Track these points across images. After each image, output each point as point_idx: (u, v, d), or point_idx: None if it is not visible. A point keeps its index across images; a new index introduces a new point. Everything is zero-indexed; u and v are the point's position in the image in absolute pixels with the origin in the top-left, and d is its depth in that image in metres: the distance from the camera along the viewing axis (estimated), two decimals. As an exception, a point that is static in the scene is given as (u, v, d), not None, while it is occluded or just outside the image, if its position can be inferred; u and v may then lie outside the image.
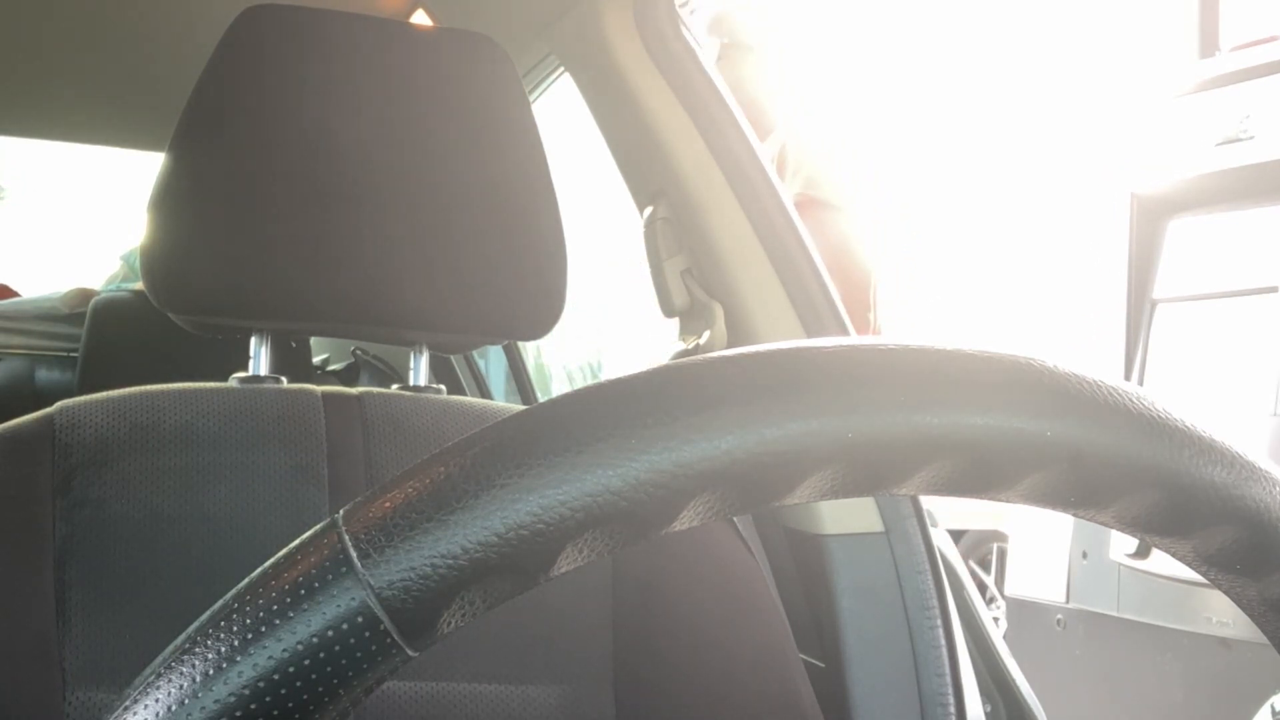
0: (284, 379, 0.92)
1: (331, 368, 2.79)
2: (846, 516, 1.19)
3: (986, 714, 1.21)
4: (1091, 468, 0.33)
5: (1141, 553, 2.91)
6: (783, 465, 0.31)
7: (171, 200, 0.87)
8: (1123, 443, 0.33)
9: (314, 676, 0.30)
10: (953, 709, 1.15)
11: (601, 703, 0.85)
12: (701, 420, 0.31)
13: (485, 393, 2.65)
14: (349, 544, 0.30)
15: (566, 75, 1.52)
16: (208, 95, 0.88)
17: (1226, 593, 0.37)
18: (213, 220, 0.87)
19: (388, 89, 0.91)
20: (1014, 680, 1.27)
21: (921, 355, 0.33)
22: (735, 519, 0.99)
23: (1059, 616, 3.33)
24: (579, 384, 1.28)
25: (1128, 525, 0.35)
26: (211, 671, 0.29)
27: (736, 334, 1.27)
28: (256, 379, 0.91)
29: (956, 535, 4.36)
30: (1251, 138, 2.89)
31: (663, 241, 1.32)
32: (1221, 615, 2.73)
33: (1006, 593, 3.71)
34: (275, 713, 0.30)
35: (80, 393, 0.86)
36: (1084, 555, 3.24)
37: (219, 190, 0.87)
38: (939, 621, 1.17)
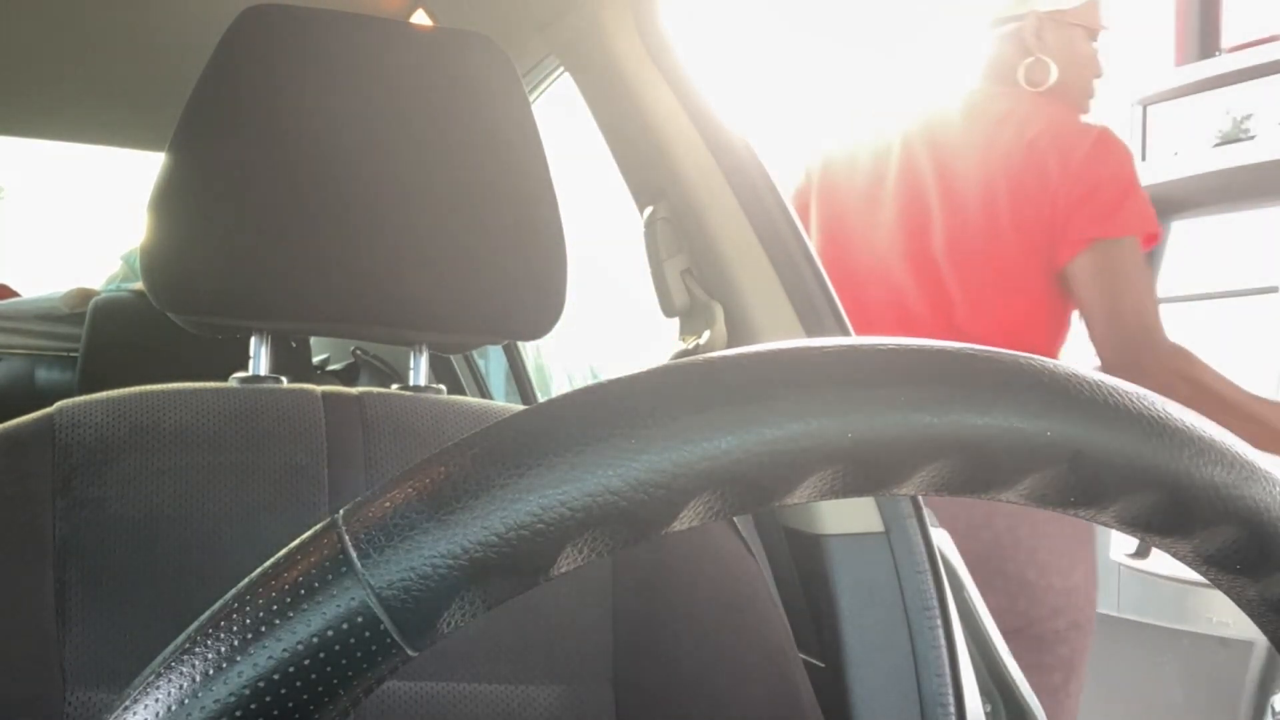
0: (284, 379, 0.92)
1: (331, 368, 2.79)
2: (846, 516, 1.19)
3: (986, 714, 1.20)
4: (1091, 468, 0.33)
5: (1141, 553, 2.90)
6: (783, 465, 0.31)
7: (171, 200, 0.87)
8: (1123, 443, 0.33)
9: (314, 676, 0.30)
10: (953, 709, 1.15)
11: (601, 703, 0.85)
12: (701, 420, 0.31)
13: (485, 393, 2.64)
14: (349, 544, 0.30)
15: (566, 75, 1.52)
16: (208, 95, 0.88)
17: (1226, 593, 0.37)
18: (213, 220, 0.87)
19: (388, 89, 0.91)
20: (1014, 680, 1.27)
21: (921, 355, 0.33)
22: (735, 519, 0.99)
23: (1059, 616, 3.32)
24: (579, 384, 1.28)
25: (1128, 525, 0.35)
26: (211, 671, 0.29)
27: (736, 334, 1.27)
28: (256, 379, 0.91)
29: (956, 535, 4.34)
30: (1252, 138, 2.89)
31: (663, 241, 1.32)
32: (1221, 615, 2.73)
33: (1006, 593, 3.70)
34: (275, 713, 0.30)
35: (80, 393, 0.86)
36: (1084, 555, 3.24)
37: (219, 190, 0.87)
38: (939, 621, 1.17)
